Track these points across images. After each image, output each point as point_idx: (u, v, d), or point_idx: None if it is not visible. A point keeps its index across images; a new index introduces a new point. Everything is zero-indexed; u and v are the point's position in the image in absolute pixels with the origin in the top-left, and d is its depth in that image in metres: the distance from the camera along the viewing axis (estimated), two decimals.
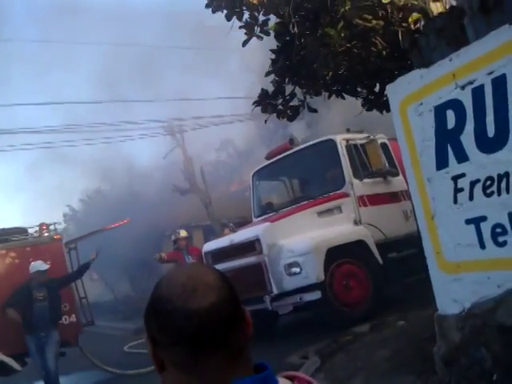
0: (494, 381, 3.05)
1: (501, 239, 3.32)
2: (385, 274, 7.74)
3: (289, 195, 9.57)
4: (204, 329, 0.97)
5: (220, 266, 8.26)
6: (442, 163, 3.66)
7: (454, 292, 3.72)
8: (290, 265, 7.23)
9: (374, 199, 8.22)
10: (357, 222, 7.95)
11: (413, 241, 7.10)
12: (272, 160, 9.38)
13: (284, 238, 7.51)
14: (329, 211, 7.94)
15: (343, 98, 5.37)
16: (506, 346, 3.09)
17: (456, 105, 3.49)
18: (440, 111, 3.61)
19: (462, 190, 3.53)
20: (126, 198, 19.71)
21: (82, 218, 23.27)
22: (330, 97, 5.37)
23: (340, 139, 8.29)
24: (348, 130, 8.75)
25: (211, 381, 0.99)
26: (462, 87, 3.42)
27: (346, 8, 4.04)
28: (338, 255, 7.41)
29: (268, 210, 9.17)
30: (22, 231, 9.61)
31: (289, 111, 5.39)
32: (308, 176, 9.08)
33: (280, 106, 5.38)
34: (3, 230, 9.35)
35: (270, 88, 5.33)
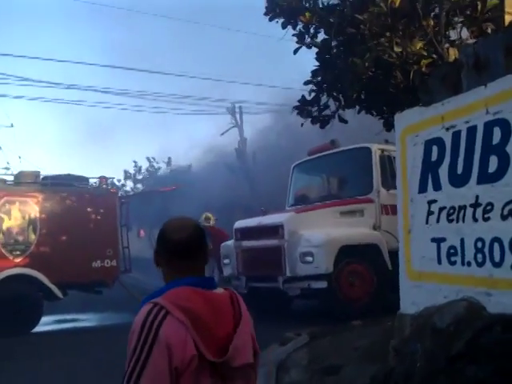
0: (418, 367, 3.79)
1: (452, 259, 4.02)
2: (393, 280, 8.36)
3: (321, 191, 10.23)
4: (186, 247, 1.78)
5: (246, 243, 9.25)
6: (422, 188, 4.36)
7: (413, 296, 4.45)
8: (305, 253, 8.03)
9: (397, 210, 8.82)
10: (375, 228, 8.56)
11: None
12: (312, 156, 10.13)
13: (305, 228, 8.29)
14: (351, 213, 8.63)
15: (372, 114, 6.09)
16: (434, 343, 3.81)
17: (440, 142, 4.16)
18: (428, 145, 4.29)
19: (432, 213, 4.23)
20: (182, 167, 20.88)
21: (139, 178, 24.84)
22: (359, 112, 6.09)
23: (375, 148, 8.92)
24: (386, 141, 9.34)
25: (194, 271, 1.78)
26: (447, 129, 4.10)
27: (374, 43, 4.76)
28: (350, 253, 8.11)
29: (301, 201, 9.94)
30: (85, 180, 10.86)
31: (321, 119, 6.15)
32: (341, 177, 9.73)
33: (315, 113, 6.15)
34: (69, 175, 10.66)
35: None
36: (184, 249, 1.78)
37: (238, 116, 21.37)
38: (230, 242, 9.94)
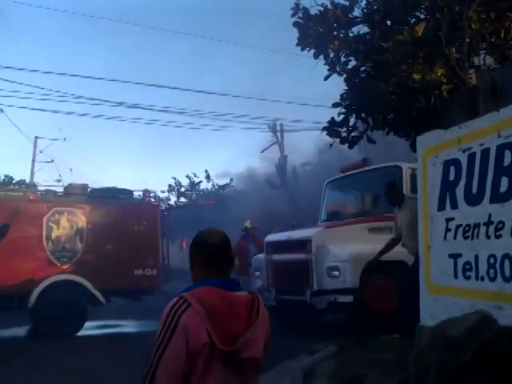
0: (430, 376, 4.02)
1: (467, 274, 4.25)
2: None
3: (353, 208, 10.41)
4: (214, 251, 2.11)
5: (276, 257, 9.58)
6: (441, 206, 4.61)
7: (432, 308, 4.68)
8: (332, 268, 8.24)
9: None
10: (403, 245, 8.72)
11: None
12: (344, 174, 10.41)
13: (333, 244, 8.50)
14: (379, 229, 8.75)
15: (399, 136, 6.36)
16: (446, 352, 4.04)
17: (457, 163, 4.42)
18: (447, 165, 4.55)
19: (450, 230, 4.47)
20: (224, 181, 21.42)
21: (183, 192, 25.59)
22: (388, 133, 6.37)
23: (406, 167, 9.09)
24: (416, 160, 9.49)
25: (218, 274, 2.10)
26: (463, 151, 4.35)
27: (397, 69, 5.07)
28: (377, 269, 8.22)
29: (333, 217, 10.19)
30: (129, 192, 11.46)
31: (350, 139, 6.45)
32: (372, 194, 9.87)
33: (343, 134, 6.46)
34: (115, 188, 11.29)
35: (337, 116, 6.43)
36: (212, 252, 2.11)
37: (278, 133, 21.82)
38: (262, 255, 10.25)
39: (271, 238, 10.21)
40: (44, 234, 10.03)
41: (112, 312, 11.53)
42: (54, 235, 10.16)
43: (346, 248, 8.37)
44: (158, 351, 1.85)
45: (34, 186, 17.88)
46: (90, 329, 10.47)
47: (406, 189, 8.91)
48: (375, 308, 8.21)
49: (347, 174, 10.34)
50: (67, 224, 10.30)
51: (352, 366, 6.13)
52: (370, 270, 8.07)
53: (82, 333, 10.00)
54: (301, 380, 6.00)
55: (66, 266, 10.14)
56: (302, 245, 8.83)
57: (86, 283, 10.01)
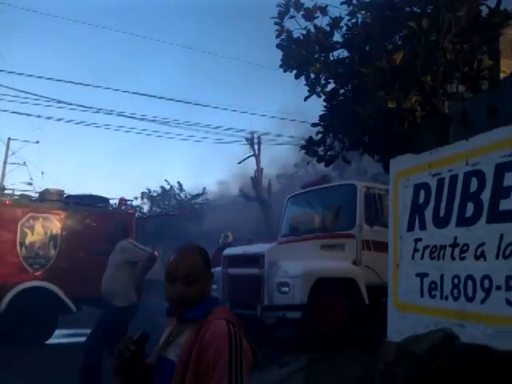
0: None
1: (433, 293, 4.46)
2: (370, 314, 8.39)
3: (309, 224, 10.42)
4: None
5: (232, 270, 9.72)
6: (410, 227, 4.83)
7: (398, 325, 4.88)
8: (282, 284, 8.29)
9: (380, 246, 8.77)
10: (356, 263, 8.80)
11: None
12: (304, 190, 10.69)
13: (285, 260, 8.56)
14: (332, 247, 8.89)
15: (373, 157, 6.60)
16: (411, 368, 4.23)
17: (426, 187, 4.65)
18: (417, 188, 4.78)
19: (418, 250, 4.69)
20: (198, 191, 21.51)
21: (157, 200, 25.58)
22: (362, 154, 6.61)
23: (360, 186, 9.27)
24: (374, 180, 9.73)
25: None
26: (433, 175, 4.59)
27: (377, 95, 5.30)
28: (327, 286, 8.35)
29: (291, 232, 10.34)
30: (105, 200, 11.46)
31: (327, 158, 6.67)
32: (327, 212, 10.05)
33: (321, 153, 6.67)
34: (91, 196, 11.28)
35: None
36: None
37: (255, 146, 22.04)
38: (219, 269, 10.31)
39: (228, 251, 10.36)
40: (18, 239, 9.96)
41: (83, 320, 11.47)
42: (27, 241, 10.10)
43: (297, 264, 8.42)
44: (238, 375, 1.84)
45: (4, 188, 17.67)
46: (60, 337, 10.39)
47: (360, 207, 9.15)
48: (322, 325, 8.26)
49: (306, 190, 10.57)
50: (42, 230, 10.25)
51: (322, 380, 6.30)
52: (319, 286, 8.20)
53: (51, 341, 9.92)
54: None
55: (38, 273, 10.08)
56: (256, 260, 8.90)
57: (58, 290, 9.95)
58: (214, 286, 10.23)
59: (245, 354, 1.88)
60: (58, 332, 10.16)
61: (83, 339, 10.75)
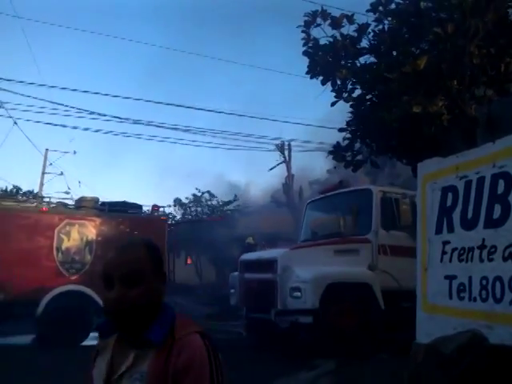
0: None
1: (461, 295, 4.49)
2: (387, 319, 8.43)
3: (327, 229, 10.48)
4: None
5: (247, 275, 9.90)
6: (439, 230, 4.87)
7: (427, 327, 4.90)
8: (294, 288, 8.39)
9: (397, 250, 8.93)
10: (371, 267, 8.80)
11: None
12: (322, 195, 10.77)
13: (298, 265, 8.64)
14: (346, 251, 8.94)
15: (402, 161, 6.65)
16: (439, 368, 4.27)
17: (454, 190, 4.69)
18: (445, 191, 4.82)
19: (446, 252, 4.72)
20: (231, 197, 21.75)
21: (189, 207, 25.95)
22: (390, 158, 6.67)
23: (376, 190, 9.22)
24: (392, 184, 9.69)
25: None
26: (460, 178, 4.63)
27: (402, 100, 5.37)
28: (341, 291, 8.37)
29: (311, 237, 10.40)
30: (138, 207, 11.73)
31: (354, 163, 6.75)
32: (345, 216, 10.01)
33: (348, 158, 6.76)
34: (125, 202, 11.57)
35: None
36: None
37: (286, 153, 22.20)
38: (236, 273, 10.50)
39: (244, 257, 10.52)
40: (55, 244, 10.30)
41: None
42: (64, 246, 10.42)
43: (309, 269, 8.49)
44: None
45: (42, 197, 18.21)
46: (95, 339, 10.64)
47: (376, 211, 9.10)
48: (334, 330, 8.26)
49: (325, 195, 10.64)
50: (77, 236, 10.57)
51: (352, 382, 6.35)
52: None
53: (86, 343, 10.18)
54: None
55: (74, 277, 10.38)
56: (270, 265, 9.03)
57: (93, 294, 10.22)
58: (232, 291, 10.41)
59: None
60: (93, 334, 10.41)
61: None
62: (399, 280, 8.72)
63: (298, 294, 8.35)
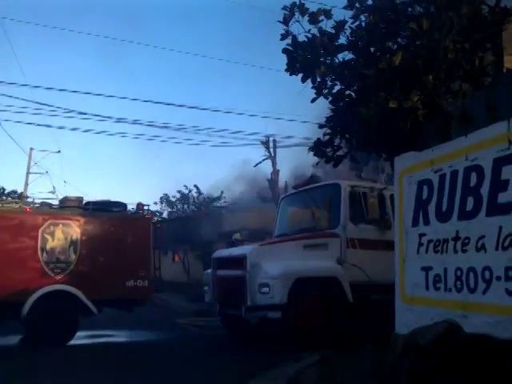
0: (402, 379, 4.36)
1: (437, 285, 4.59)
2: (355, 312, 8.61)
3: (297, 224, 10.62)
4: None
5: (220, 272, 10.03)
6: (415, 222, 4.97)
7: (405, 318, 5.01)
8: (262, 284, 8.51)
9: (366, 243, 9.11)
10: (340, 261, 8.94)
11: None
12: (294, 191, 10.90)
13: (267, 261, 8.76)
14: (315, 246, 9.05)
15: (380, 156, 6.74)
16: (417, 358, 4.38)
17: (429, 183, 4.79)
18: (420, 185, 4.92)
19: (422, 244, 4.82)
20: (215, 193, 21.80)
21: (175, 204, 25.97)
22: (369, 154, 6.76)
23: (345, 185, 9.39)
24: (360, 177, 9.82)
25: None
26: (435, 172, 4.73)
27: (378, 95, 5.46)
28: (309, 286, 8.51)
29: (283, 233, 10.51)
30: (123, 206, 11.73)
31: (335, 158, 6.83)
32: (314, 211, 10.21)
33: (329, 154, 6.83)
34: (109, 201, 11.57)
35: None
36: None
37: (271, 149, 22.27)
38: (210, 270, 10.61)
39: (217, 253, 10.64)
40: (39, 245, 10.27)
41: (103, 322, 11.77)
42: (48, 246, 10.38)
43: (277, 265, 8.58)
44: None
45: (27, 197, 18.10)
46: (81, 338, 10.67)
47: (344, 205, 9.22)
48: (302, 324, 8.40)
49: (297, 190, 10.74)
50: (62, 236, 10.53)
51: (336, 374, 6.45)
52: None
53: (73, 342, 10.20)
54: None
55: (59, 277, 10.35)
56: (239, 262, 9.13)
57: (79, 293, 10.21)
58: (206, 288, 10.54)
59: None
60: (79, 333, 10.43)
61: (103, 340, 11.15)
62: (368, 273, 8.88)
63: (267, 289, 8.45)
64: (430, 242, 4.72)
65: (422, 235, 4.84)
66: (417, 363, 4.32)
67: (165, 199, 25.65)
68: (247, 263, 8.89)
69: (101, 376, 7.29)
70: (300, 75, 6.58)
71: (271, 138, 20.75)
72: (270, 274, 8.50)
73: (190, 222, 20.87)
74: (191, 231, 20.60)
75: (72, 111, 17.31)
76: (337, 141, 6.70)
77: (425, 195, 4.85)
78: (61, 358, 8.70)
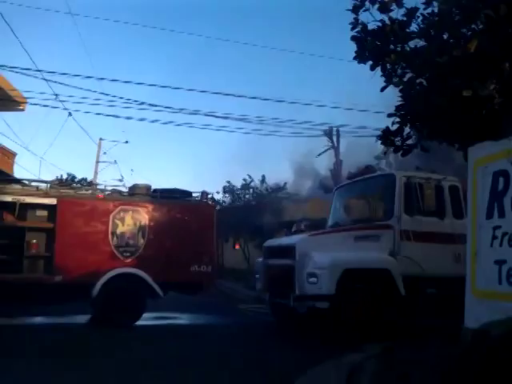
0: (472, 373, 4.28)
1: (511, 279, 4.46)
2: (407, 305, 8.43)
3: (351, 215, 10.52)
4: None
5: (270, 261, 10.12)
6: (489, 215, 4.84)
7: (476, 312, 4.91)
8: (310, 274, 8.48)
9: (421, 236, 8.87)
10: (392, 253, 8.75)
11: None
12: (349, 181, 10.71)
13: (316, 251, 8.71)
14: (366, 238, 8.90)
15: (453, 146, 6.56)
16: (487, 350, 4.28)
17: (506, 174, 4.65)
18: (496, 176, 4.79)
19: (496, 237, 4.70)
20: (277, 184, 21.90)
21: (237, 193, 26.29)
22: (441, 143, 6.59)
23: (400, 176, 9.17)
24: (417, 168, 9.54)
25: None
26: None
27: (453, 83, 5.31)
28: (359, 277, 8.38)
29: (337, 223, 10.38)
30: (188, 194, 12.04)
31: (404, 148, 6.70)
32: (368, 202, 10.07)
33: (397, 143, 6.71)
34: (176, 189, 11.91)
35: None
36: None
37: (334, 139, 22.07)
38: (261, 259, 10.67)
39: (267, 243, 10.66)
40: (110, 229, 10.72)
41: (168, 305, 12.16)
42: (118, 231, 10.83)
43: (326, 255, 8.52)
44: None
45: (97, 184, 18.86)
46: (147, 319, 11.07)
47: (399, 197, 8.98)
48: (349, 316, 8.28)
49: (351, 181, 10.57)
50: (131, 221, 10.96)
51: (397, 365, 6.39)
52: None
53: (139, 323, 10.59)
54: (346, 375, 6.29)
55: (128, 260, 10.78)
56: (289, 251, 9.14)
57: (146, 276, 10.61)
58: (257, 276, 10.64)
59: None
60: (146, 315, 10.82)
61: (168, 322, 11.53)
62: (423, 266, 8.67)
63: (315, 279, 8.46)
64: (504, 234, 4.60)
65: (496, 228, 4.72)
66: (487, 357, 4.23)
67: (227, 188, 25.94)
68: (296, 253, 8.93)
69: (159, 354, 7.57)
70: (369, 63, 6.49)
71: (334, 128, 20.53)
72: (319, 264, 8.51)
73: (252, 210, 21.05)
74: (252, 220, 20.80)
75: (143, 103, 17.71)
76: (406, 130, 6.56)
77: (500, 186, 4.72)
78: (125, 338, 9.07)
